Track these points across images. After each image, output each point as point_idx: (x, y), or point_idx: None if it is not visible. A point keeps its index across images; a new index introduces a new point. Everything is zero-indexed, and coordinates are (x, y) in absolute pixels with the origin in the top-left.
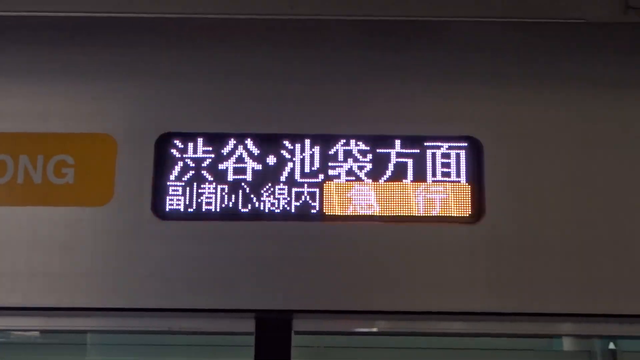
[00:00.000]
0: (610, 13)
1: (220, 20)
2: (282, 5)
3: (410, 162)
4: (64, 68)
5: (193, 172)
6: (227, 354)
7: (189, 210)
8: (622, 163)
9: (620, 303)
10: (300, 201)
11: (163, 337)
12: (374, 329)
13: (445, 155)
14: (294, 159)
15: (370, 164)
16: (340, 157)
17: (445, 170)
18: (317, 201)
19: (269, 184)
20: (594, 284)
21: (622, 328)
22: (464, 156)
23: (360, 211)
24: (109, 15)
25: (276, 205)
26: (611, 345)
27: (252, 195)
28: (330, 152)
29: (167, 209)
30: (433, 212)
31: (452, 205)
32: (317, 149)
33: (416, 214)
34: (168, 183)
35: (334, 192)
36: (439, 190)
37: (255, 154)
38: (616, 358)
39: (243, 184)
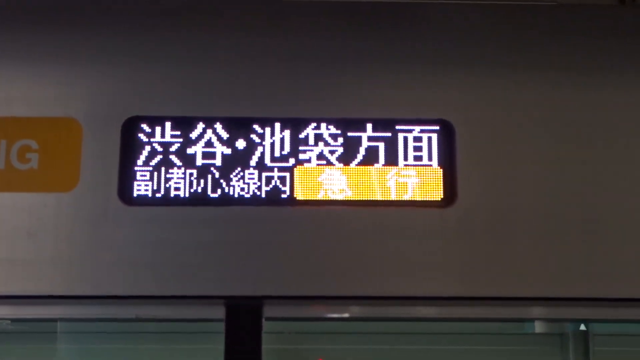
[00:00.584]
0: None
1: (188, 2)
2: None
3: (381, 145)
4: (27, 51)
5: (161, 156)
6: (198, 340)
7: (157, 195)
8: (594, 146)
9: (593, 287)
10: (271, 186)
11: (133, 325)
12: (346, 315)
13: (417, 139)
14: (263, 143)
15: (342, 148)
16: (311, 141)
17: (417, 154)
18: (288, 186)
19: (239, 169)
20: (566, 267)
21: (595, 312)
22: (435, 140)
23: (332, 196)
24: None
25: (246, 190)
26: (582, 327)
27: (221, 180)
28: (300, 136)
29: (134, 195)
30: (405, 196)
31: (424, 189)
32: (287, 133)
33: (388, 198)
34: (135, 168)
35: (305, 176)
36: (411, 174)
37: (225, 138)
38: (588, 340)
39: (212, 168)
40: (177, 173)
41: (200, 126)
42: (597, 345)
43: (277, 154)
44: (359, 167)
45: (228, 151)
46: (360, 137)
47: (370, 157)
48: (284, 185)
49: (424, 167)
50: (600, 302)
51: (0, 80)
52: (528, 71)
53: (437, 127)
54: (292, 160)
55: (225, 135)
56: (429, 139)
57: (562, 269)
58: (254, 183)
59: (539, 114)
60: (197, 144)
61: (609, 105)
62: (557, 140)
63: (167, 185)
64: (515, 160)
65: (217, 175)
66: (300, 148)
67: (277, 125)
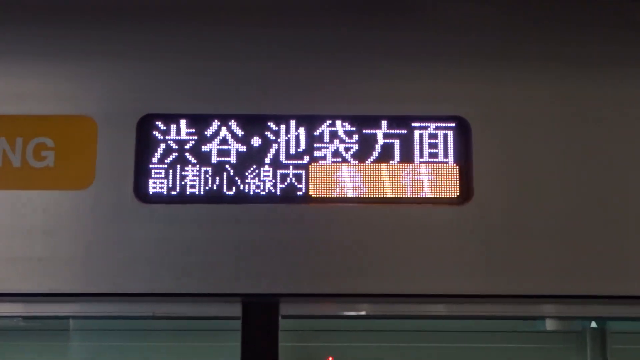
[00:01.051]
0: None
1: (202, 0)
2: None
3: (397, 142)
4: (43, 49)
5: (176, 154)
6: (214, 338)
7: (172, 193)
8: (612, 143)
9: (609, 284)
10: (286, 183)
11: (150, 322)
12: (362, 312)
13: (433, 136)
14: (278, 140)
15: (357, 145)
16: (326, 138)
17: (433, 151)
18: (303, 183)
19: (254, 166)
20: (582, 265)
21: (611, 309)
22: (451, 137)
23: (347, 193)
24: None
25: (261, 188)
26: (593, 324)
27: (236, 178)
28: (315, 133)
29: (149, 192)
30: (420, 193)
31: (440, 186)
32: (302, 130)
33: (403, 196)
34: (150, 166)
35: (320, 173)
36: (427, 172)
37: (240, 136)
38: (605, 338)
39: (227, 166)
40: (193, 171)
41: (215, 124)
42: (615, 343)
43: (292, 151)
44: (374, 164)
45: (243, 149)
46: (375, 134)
47: (386, 154)
48: (299, 182)
49: (440, 164)
50: (617, 300)
51: (15, 78)
52: (545, 66)
53: (453, 124)
54: (307, 158)
55: (240, 132)
56: (445, 135)
57: (578, 267)
58: (269, 181)
59: (555, 110)
60: (212, 142)
61: (628, 100)
62: (574, 137)
63: (183, 183)
64: (531, 156)
65: (232, 172)
66: (316, 145)
67: (292, 123)
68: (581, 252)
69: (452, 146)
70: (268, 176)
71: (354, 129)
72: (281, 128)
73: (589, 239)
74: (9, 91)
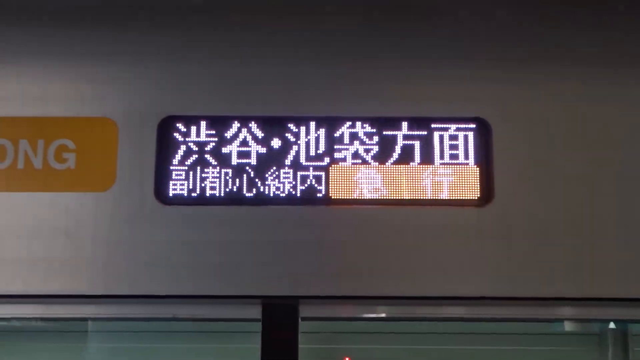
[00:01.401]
0: None
1: (223, 1)
2: None
3: (417, 144)
4: (63, 51)
5: (196, 156)
6: (234, 340)
7: (193, 195)
8: (632, 144)
9: (630, 286)
10: (306, 185)
11: (168, 324)
12: (381, 315)
13: (453, 137)
14: (299, 142)
15: (377, 147)
16: (346, 139)
17: (453, 152)
18: (323, 185)
19: (274, 168)
20: (603, 267)
21: (632, 312)
22: (472, 138)
23: (367, 195)
24: None
25: (281, 190)
26: (611, 325)
27: (256, 180)
28: (335, 135)
29: (170, 194)
30: (441, 195)
31: (461, 188)
32: (322, 132)
33: (424, 197)
34: (171, 167)
35: (340, 175)
36: (447, 173)
37: (260, 137)
38: (627, 340)
39: (247, 167)
40: (213, 172)
41: (235, 125)
42: (637, 346)
43: (312, 152)
44: (394, 165)
45: (263, 150)
46: (395, 136)
47: (406, 156)
48: (319, 184)
49: (460, 166)
50: (638, 302)
51: (36, 81)
52: (566, 67)
53: (474, 125)
54: (327, 159)
55: (260, 134)
56: (465, 137)
57: (598, 269)
58: (289, 182)
59: (577, 111)
60: (232, 143)
61: None
62: (595, 138)
63: (203, 185)
64: (552, 158)
65: (252, 174)
66: (336, 147)
67: (312, 124)
68: (602, 254)
69: (472, 148)
70: (288, 178)
71: (374, 130)
72: (301, 130)
73: (610, 241)
74: (31, 94)
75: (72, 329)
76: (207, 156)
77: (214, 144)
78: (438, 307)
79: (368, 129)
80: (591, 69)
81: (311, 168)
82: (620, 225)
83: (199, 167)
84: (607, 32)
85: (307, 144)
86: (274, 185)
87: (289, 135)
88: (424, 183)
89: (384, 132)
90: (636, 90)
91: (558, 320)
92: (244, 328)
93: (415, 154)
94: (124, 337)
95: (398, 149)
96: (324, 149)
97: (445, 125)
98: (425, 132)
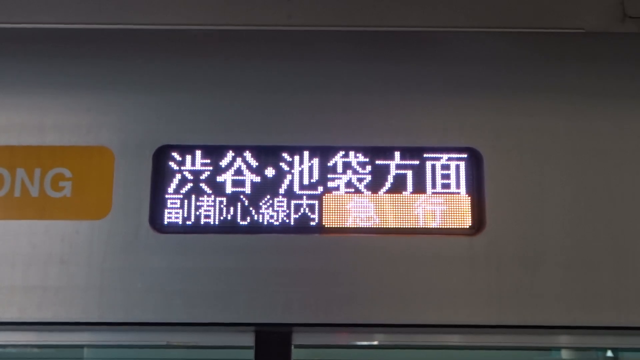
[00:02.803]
0: (608, 22)
1: (217, 31)
2: (280, 16)
3: (409, 173)
4: (60, 80)
5: (191, 184)
6: None
7: (187, 223)
8: (622, 174)
9: (621, 315)
10: (300, 213)
11: (162, 352)
12: (374, 342)
13: (445, 167)
14: (292, 171)
15: (370, 176)
16: (339, 169)
17: (445, 181)
18: (317, 213)
19: (268, 197)
20: (594, 296)
21: (623, 340)
22: (463, 167)
23: (360, 223)
24: (104, 27)
25: (275, 218)
26: (609, 353)
27: (250, 208)
28: (329, 164)
29: (165, 222)
30: (433, 224)
31: (452, 217)
32: (315, 161)
33: (416, 226)
34: (166, 196)
35: (333, 204)
36: (439, 202)
37: (254, 166)
38: None
39: (242, 196)
40: (207, 201)
41: (230, 154)
42: None
43: (305, 182)
44: (387, 194)
45: (257, 179)
46: (388, 165)
47: (398, 185)
48: (313, 213)
49: (452, 195)
50: (630, 331)
51: (33, 110)
52: (557, 99)
53: (465, 155)
54: (320, 188)
55: (254, 163)
56: (457, 166)
57: (590, 297)
58: (283, 211)
59: (567, 142)
60: (227, 172)
61: (639, 133)
62: (586, 168)
63: (198, 213)
64: (543, 187)
65: (246, 203)
66: (329, 176)
67: (306, 154)
68: (594, 282)
69: (464, 177)
70: (282, 206)
71: (367, 159)
72: (295, 159)
73: (602, 269)
74: (29, 123)
75: (67, 356)
76: (202, 185)
77: (208, 172)
78: (431, 334)
79: (361, 158)
80: (582, 100)
81: (305, 197)
82: (611, 253)
83: (193, 196)
84: (599, 65)
85: (301, 173)
86: (267, 213)
87: (282, 165)
88: (416, 212)
89: (377, 162)
90: (627, 121)
91: (551, 348)
92: (237, 355)
93: (408, 183)
94: None
95: (390, 178)
96: (317, 178)
97: (437, 155)
98: (418, 162)
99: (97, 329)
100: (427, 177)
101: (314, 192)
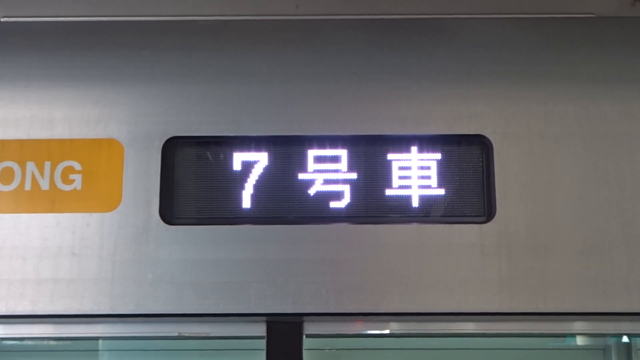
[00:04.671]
0: (618, 6)
1: (225, 22)
2: (288, 5)
3: (419, 161)
4: (68, 73)
5: (200, 176)
6: (239, 358)
7: (197, 214)
8: (633, 160)
9: (634, 301)
10: (309, 203)
11: (174, 342)
12: (385, 331)
13: (455, 154)
14: (302, 160)
15: (378, 165)
16: (345, 158)
17: (455, 169)
18: (326, 203)
19: (277, 187)
20: (606, 282)
21: (636, 326)
22: (473, 155)
23: (370, 212)
24: (112, 19)
25: (284, 208)
26: (625, 339)
27: (260, 199)
28: (337, 154)
29: (175, 214)
30: (443, 212)
31: (463, 204)
32: (324, 151)
33: (426, 215)
34: (176, 187)
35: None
36: (449, 190)
37: (263, 157)
38: (631, 355)
39: (251, 187)
40: (217, 192)
41: (239, 145)
42: None
43: (314, 171)
44: (397, 183)
45: (267, 169)
46: (397, 154)
47: (408, 174)
48: (322, 202)
49: (462, 183)
50: None
51: (42, 103)
52: (566, 84)
53: (475, 142)
54: (328, 178)
55: (263, 154)
56: (467, 154)
57: (602, 283)
58: (292, 201)
59: (577, 128)
60: (236, 163)
61: None
62: (596, 154)
63: (207, 205)
64: (554, 174)
65: (256, 193)
66: (334, 167)
67: (315, 143)
68: (605, 269)
69: (474, 165)
70: (291, 196)
71: (375, 149)
72: (304, 149)
73: (613, 255)
74: (38, 116)
75: (80, 348)
76: (211, 176)
77: (217, 164)
78: (443, 322)
79: (369, 147)
80: (592, 85)
81: (313, 186)
82: (623, 239)
83: (203, 187)
84: (609, 50)
85: (309, 162)
86: (277, 204)
87: (292, 155)
88: (426, 200)
89: (386, 152)
90: (638, 106)
91: (563, 335)
92: (248, 345)
93: (417, 172)
94: (133, 356)
95: (400, 167)
96: (325, 168)
97: (446, 143)
98: (427, 150)
99: (109, 321)
100: (437, 164)
101: (323, 183)
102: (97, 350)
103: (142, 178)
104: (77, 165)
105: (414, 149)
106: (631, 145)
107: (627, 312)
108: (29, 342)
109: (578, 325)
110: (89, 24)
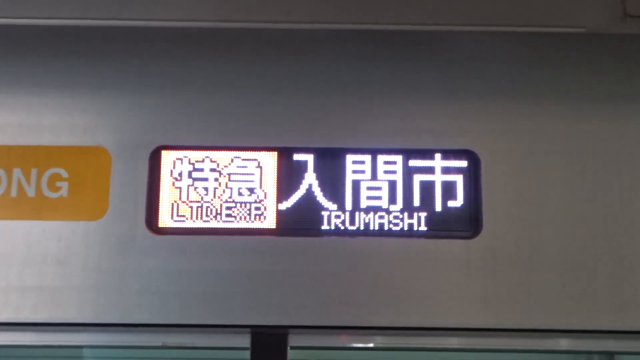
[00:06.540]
0: (609, 22)
1: (215, 30)
2: (279, 12)
3: (406, 175)
4: (57, 80)
5: (187, 186)
6: None
7: (184, 224)
8: (621, 177)
9: (619, 319)
10: (295, 216)
11: (158, 352)
12: (370, 345)
13: (442, 169)
14: (287, 172)
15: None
16: (340, 170)
17: (442, 184)
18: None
19: (263, 198)
20: (592, 299)
21: (621, 344)
22: (461, 170)
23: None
24: (101, 25)
25: (270, 220)
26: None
27: (246, 210)
28: (330, 166)
29: (161, 224)
30: (429, 226)
31: (449, 219)
32: (314, 162)
33: (412, 229)
34: (162, 197)
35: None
36: (436, 205)
37: (250, 167)
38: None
39: (238, 198)
40: (203, 202)
41: (227, 156)
42: None
43: (300, 182)
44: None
45: (253, 180)
46: (385, 167)
47: (395, 187)
48: (308, 215)
49: (449, 197)
50: (627, 335)
51: (30, 110)
52: (556, 100)
53: (462, 157)
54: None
55: (250, 164)
56: (454, 169)
57: (588, 301)
58: (278, 213)
59: (566, 144)
60: (223, 174)
61: (638, 135)
62: (584, 171)
63: (194, 215)
64: (541, 190)
65: (242, 204)
66: (323, 176)
67: (304, 156)
68: (591, 286)
69: (461, 179)
70: (276, 208)
71: (364, 161)
72: (292, 160)
73: (599, 273)
74: (25, 123)
75: (66, 356)
76: (198, 186)
77: (204, 174)
78: (428, 337)
79: (358, 160)
80: (582, 101)
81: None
82: (609, 257)
83: (189, 197)
84: (599, 66)
85: (294, 173)
86: (263, 215)
87: (282, 165)
88: (412, 214)
89: (374, 163)
90: (626, 123)
91: (547, 351)
92: (233, 356)
93: (404, 185)
94: None
95: (388, 180)
96: (317, 180)
97: (434, 157)
98: (414, 164)
99: (93, 330)
100: (424, 179)
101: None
102: (81, 359)
103: (129, 187)
104: (64, 173)
105: (401, 162)
106: (619, 163)
107: (612, 330)
108: (12, 350)
109: (562, 343)
110: (77, 29)
